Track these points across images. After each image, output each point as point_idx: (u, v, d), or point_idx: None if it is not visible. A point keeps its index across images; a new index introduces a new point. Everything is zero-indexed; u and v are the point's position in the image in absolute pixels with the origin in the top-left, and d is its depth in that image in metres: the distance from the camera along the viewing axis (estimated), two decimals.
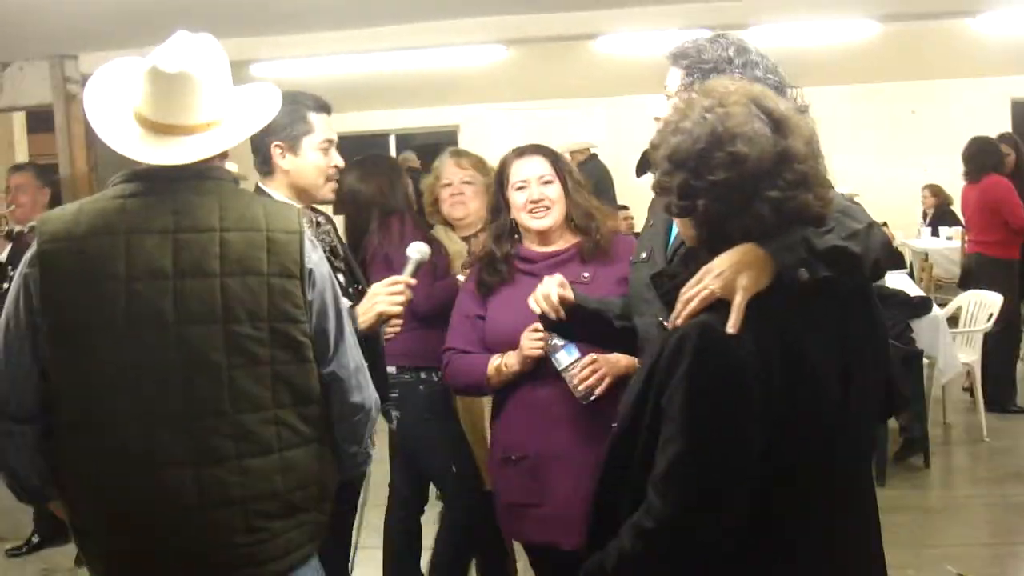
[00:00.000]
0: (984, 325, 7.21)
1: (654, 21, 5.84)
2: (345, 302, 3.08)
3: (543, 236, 3.30)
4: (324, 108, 3.11)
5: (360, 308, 3.01)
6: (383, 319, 3.02)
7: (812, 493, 2.02)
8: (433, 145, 13.72)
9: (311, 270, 2.33)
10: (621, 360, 3.07)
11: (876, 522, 2.22)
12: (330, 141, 3.10)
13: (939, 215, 11.58)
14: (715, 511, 1.92)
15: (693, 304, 1.98)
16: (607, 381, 3.06)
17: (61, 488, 2.41)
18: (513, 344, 3.17)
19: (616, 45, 6.93)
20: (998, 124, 10.32)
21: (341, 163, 3.16)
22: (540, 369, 3.15)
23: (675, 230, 2.75)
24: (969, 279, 8.13)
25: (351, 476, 2.66)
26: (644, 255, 2.83)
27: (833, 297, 2.04)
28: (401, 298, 3.02)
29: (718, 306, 1.96)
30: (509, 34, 6.22)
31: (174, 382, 2.25)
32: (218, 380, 2.26)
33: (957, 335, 7.25)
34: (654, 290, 2.68)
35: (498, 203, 3.37)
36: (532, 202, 3.24)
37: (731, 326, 1.91)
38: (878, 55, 9.89)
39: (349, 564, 3.35)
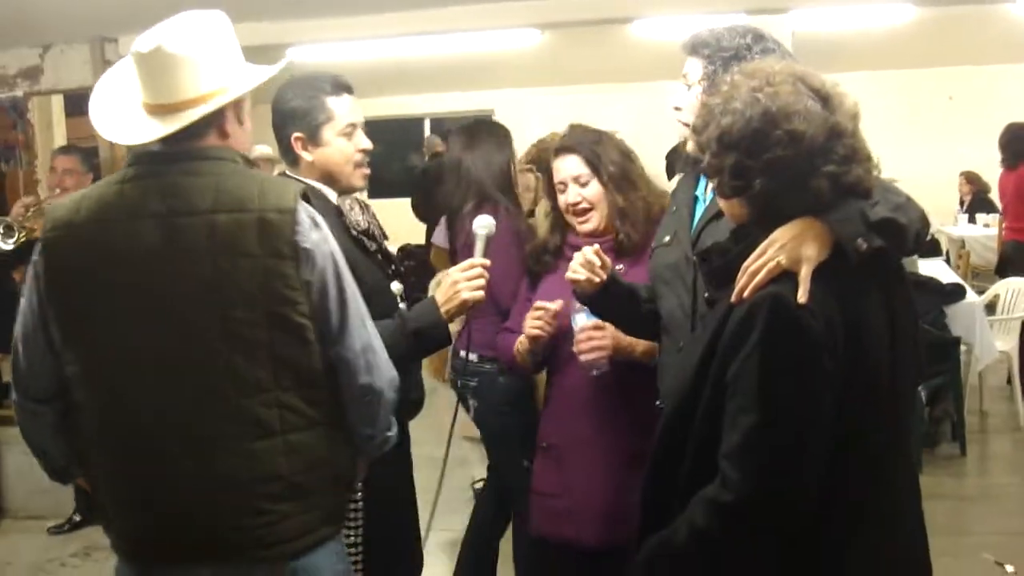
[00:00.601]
0: (1022, 313, 7.15)
1: (691, 5, 5.81)
2: (396, 287, 3.05)
3: (590, 233, 3.25)
4: (344, 89, 2.97)
5: (441, 297, 2.91)
6: (468, 306, 2.92)
7: (867, 464, 2.04)
8: None
9: (308, 249, 2.27)
10: (638, 345, 3.05)
11: (920, 499, 2.24)
12: (353, 125, 2.97)
13: (976, 202, 11.49)
14: (793, 481, 1.93)
15: (760, 276, 1.99)
16: (599, 354, 2.99)
17: (84, 467, 2.45)
18: (557, 328, 3.15)
19: (653, 30, 6.89)
20: None
21: (369, 145, 3.01)
22: (566, 358, 3.13)
23: (699, 212, 2.77)
24: (1006, 267, 8.07)
25: (372, 458, 2.60)
26: (667, 239, 2.85)
27: (880, 269, 2.06)
28: (481, 282, 2.91)
29: (782, 277, 1.97)
30: (544, 18, 6.20)
31: (173, 367, 2.25)
32: (216, 364, 2.24)
33: (994, 323, 7.20)
34: (679, 271, 2.73)
35: (552, 196, 3.34)
36: (571, 205, 3.21)
37: (801, 296, 1.93)
38: (916, 41, 9.80)
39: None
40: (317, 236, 2.30)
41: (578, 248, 3.13)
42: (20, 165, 6.25)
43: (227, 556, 2.31)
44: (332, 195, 2.99)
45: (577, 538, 3.12)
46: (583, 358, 2.99)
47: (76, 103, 7.47)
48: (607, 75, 11.95)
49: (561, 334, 3.13)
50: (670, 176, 7.10)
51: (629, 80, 12.00)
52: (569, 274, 2.86)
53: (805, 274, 1.95)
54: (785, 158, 1.97)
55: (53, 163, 5.88)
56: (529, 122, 8.87)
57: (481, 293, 2.91)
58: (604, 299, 2.88)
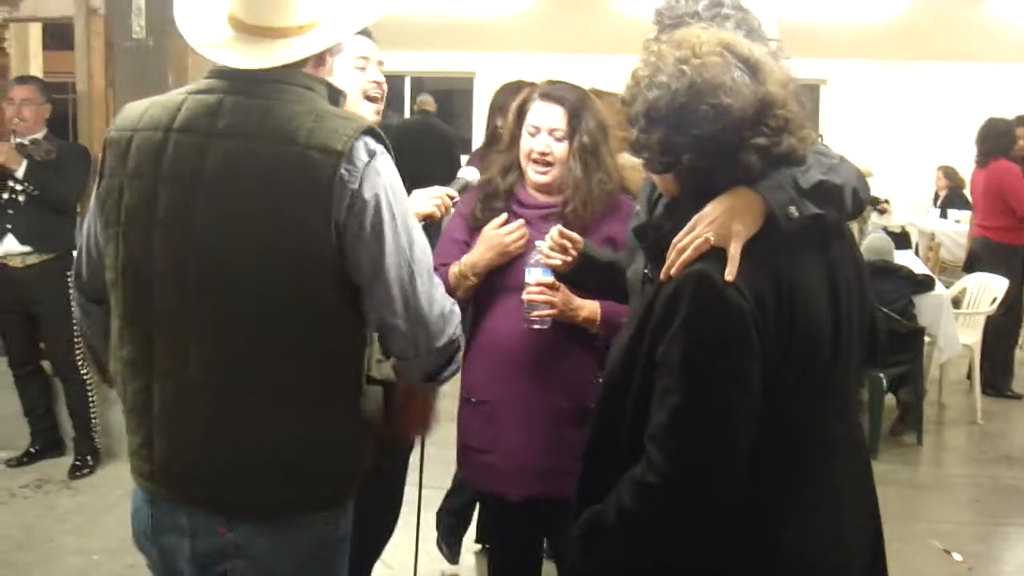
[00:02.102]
0: (987, 308, 7.22)
1: None
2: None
3: (542, 186, 3.19)
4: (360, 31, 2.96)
5: None
6: (418, 219, 2.95)
7: (808, 440, 2.00)
8: (446, 91, 13.71)
9: (353, 191, 2.04)
10: (583, 310, 3.03)
11: (871, 477, 2.22)
12: (365, 58, 2.99)
13: (951, 198, 11.55)
14: (719, 464, 1.90)
15: (688, 253, 1.93)
16: (548, 310, 2.97)
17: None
18: (492, 283, 3.12)
19: (633, 3, 6.86)
20: (1016, 111, 10.25)
21: (380, 79, 3.02)
22: (506, 312, 3.10)
23: None
24: (974, 263, 8.12)
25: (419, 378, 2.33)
26: (638, 208, 2.81)
27: (818, 236, 2.01)
28: (437, 201, 2.99)
29: (711, 254, 1.91)
30: None
31: (184, 293, 2.10)
32: (212, 305, 2.08)
33: (959, 316, 7.25)
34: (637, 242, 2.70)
35: (513, 134, 3.24)
36: (539, 153, 3.12)
37: (729, 274, 1.87)
38: (901, 33, 9.84)
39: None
40: (368, 183, 2.07)
41: (522, 204, 3.18)
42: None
43: (197, 504, 2.18)
44: None
45: (502, 492, 3.13)
46: (532, 312, 2.98)
47: (57, 36, 7.39)
48: (587, 45, 11.88)
49: (499, 289, 3.12)
50: None
51: (608, 51, 11.95)
52: (543, 261, 2.87)
53: (734, 251, 1.89)
54: (713, 133, 1.91)
55: (10, 94, 5.75)
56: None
57: (433, 209, 2.99)
58: (581, 275, 2.87)
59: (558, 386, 3.07)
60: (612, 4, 7.21)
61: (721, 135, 1.91)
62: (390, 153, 2.17)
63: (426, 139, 8.89)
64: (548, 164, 3.12)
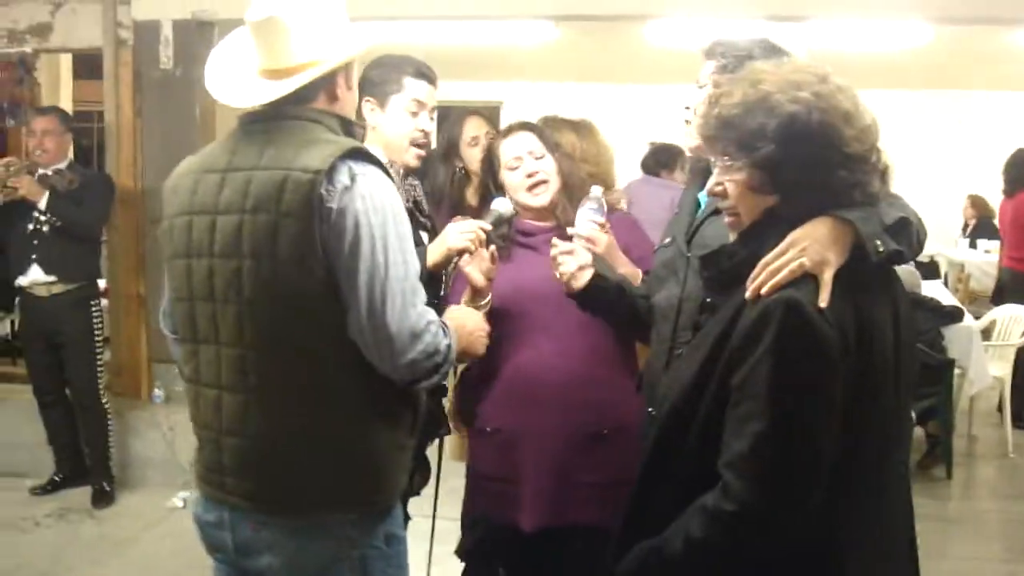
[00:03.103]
0: (1018, 340, 7.14)
1: (707, 8, 5.77)
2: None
3: (540, 212, 3.24)
4: (423, 76, 3.19)
5: (431, 245, 3.06)
6: (452, 254, 3.04)
7: (871, 473, 1.99)
8: None
9: (332, 209, 2.20)
10: (623, 266, 3.09)
11: (912, 511, 2.24)
12: (420, 103, 3.15)
13: (980, 227, 11.47)
14: (801, 493, 1.87)
15: (782, 275, 1.91)
16: (586, 271, 2.88)
17: None
18: (506, 315, 3.11)
19: (665, 35, 6.86)
20: None
21: (429, 128, 3.18)
22: (525, 339, 3.11)
23: (698, 215, 2.80)
24: (1002, 294, 8.06)
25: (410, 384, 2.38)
26: (667, 240, 2.91)
27: (887, 273, 2.04)
28: (471, 235, 3.00)
29: (799, 280, 1.90)
30: (561, 10, 6.15)
31: (214, 306, 2.34)
32: (241, 309, 2.29)
33: (989, 348, 7.17)
34: (673, 267, 2.78)
35: (488, 190, 3.31)
36: (528, 176, 3.19)
37: (823, 301, 1.87)
38: (928, 63, 9.77)
39: None
40: (347, 198, 2.23)
41: (527, 233, 3.23)
42: (25, 122, 6.20)
43: (232, 500, 2.38)
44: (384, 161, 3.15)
45: (519, 522, 3.11)
46: (566, 264, 2.88)
47: (87, 66, 7.45)
48: (615, 75, 11.92)
49: (517, 316, 3.12)
50: (645, 171, 7.14)
51: (638, 81, 11.97)
52: (578, 230, 2.97)
53: (828, 278, 1.89)
54: (834, 157, 1.94)
55: (32, 125, 5.80)
56: (537, 115, 8.85)
57: (467, 244, 3.00)
58: (590, 295, 2.89)
59: (580, 411, 3.08)
60: (642, 35, 7.20)
61: (839, 162, 1.95)
62: (387, 173, 2.35)
63: None
64: (543, 182, 3.20)
